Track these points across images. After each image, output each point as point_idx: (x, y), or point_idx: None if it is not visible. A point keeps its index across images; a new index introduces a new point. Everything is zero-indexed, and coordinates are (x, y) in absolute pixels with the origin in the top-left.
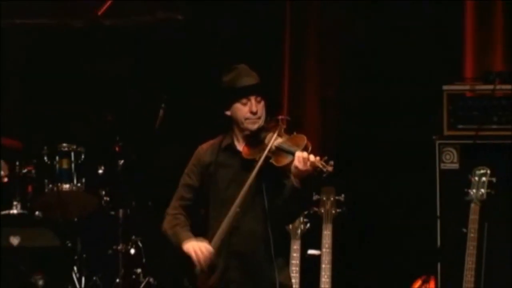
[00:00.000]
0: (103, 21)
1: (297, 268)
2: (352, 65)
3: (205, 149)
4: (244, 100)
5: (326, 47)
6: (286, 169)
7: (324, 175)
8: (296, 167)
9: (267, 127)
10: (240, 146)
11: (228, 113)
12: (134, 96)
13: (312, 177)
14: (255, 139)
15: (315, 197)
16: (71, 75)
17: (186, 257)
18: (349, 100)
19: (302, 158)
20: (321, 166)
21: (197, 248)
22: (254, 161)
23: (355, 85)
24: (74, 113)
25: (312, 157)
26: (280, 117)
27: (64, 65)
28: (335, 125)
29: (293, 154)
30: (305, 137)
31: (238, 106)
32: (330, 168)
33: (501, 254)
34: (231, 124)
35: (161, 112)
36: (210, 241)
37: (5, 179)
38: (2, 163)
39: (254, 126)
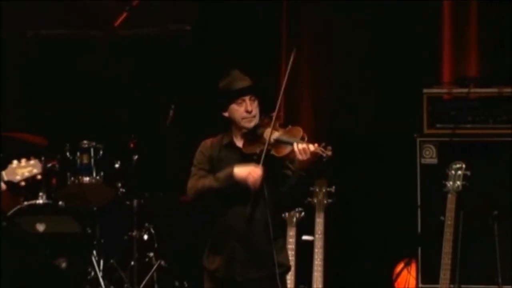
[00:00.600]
0: (119, 31)
1: (293, 252)
2: (342, 70)
3: (209, 144)
4: (239, 101)
5: (318, 53)
6: (285, 159)
7: (324, 159)
8: (299, 158)
9: (261, 123)
10: (239, 143)
11: (226, 114)
12: (147, 98)
13: (314, 164)
14: (253, 135)
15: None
16: (91, 80)
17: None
18: (338, 100)
19: (302, 149)
20: (320, 152)
21: (250, 170)
22: (254, 155)
23: (344, 87)
24: (94, 114)
25: (311, 146)
26: (272, 113)
27: (85, 71)
28: (326, 123)
29: (291, 144)
30: (300, 129)
31: (234, 107)
32: (329, 153)
33: (475, 239)
34: (229, 124)
35: (171, 112)
36: (220, 230)
37: (39, 177)
38: (38, 163)
39: (251, 124)
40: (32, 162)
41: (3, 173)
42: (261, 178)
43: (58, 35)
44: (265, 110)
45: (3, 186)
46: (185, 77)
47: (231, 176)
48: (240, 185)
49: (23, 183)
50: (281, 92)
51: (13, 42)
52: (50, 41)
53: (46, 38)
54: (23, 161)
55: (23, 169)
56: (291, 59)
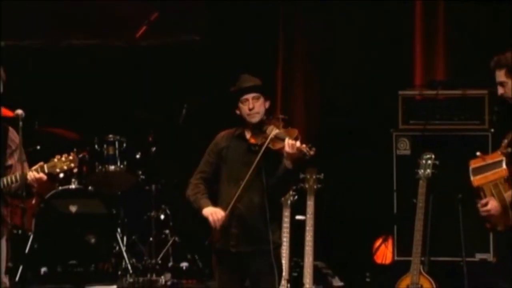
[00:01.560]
0: (140, 42)
1: (288, 230)
2: (330, 74)
3: (222, 136)
4: (244, 100)
5: (310, 59)
6: (279, 154)
7: (307, 157)
8: (286, 151)
9: (269, 121)
10: (248, 135)
11: (237, 111)
12: (163, 99)
13: (299, 160)
14: (259, 130)
15: (302, 175)
16: (117, 83)
17: (205, 219)
18: (327, 100)
19: (290, 144)
20: (305, 151)
21: (213, 212)
22: (257, 146)
23: (332, 89)
24: (118, 112)
25: (298, 144)
26: (281, 116)
27: (111, 76)
28: (316, 119)
29: (284, 140)
30: (297, 130)
31: (240, 105)
32: (312, 152)
33: (442, 218)
34: (241, 119)
35: (184, 111)
36: (222, 207)
37: (75, 170)
38: (75, 158)
39: (254, 119)
40: (71, 157)
41: (45, 165)
42: (222, 219)
43: (88, 44)
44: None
45: (44, 177)
46: (195, 80)
47: (200, 212)
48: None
49: (61, 174)
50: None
51: (49, 50)
52: (81, 49)
53: (78, 47)
54: (64, 156)
55: (63, 164)
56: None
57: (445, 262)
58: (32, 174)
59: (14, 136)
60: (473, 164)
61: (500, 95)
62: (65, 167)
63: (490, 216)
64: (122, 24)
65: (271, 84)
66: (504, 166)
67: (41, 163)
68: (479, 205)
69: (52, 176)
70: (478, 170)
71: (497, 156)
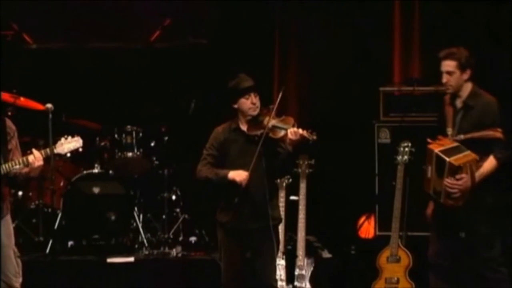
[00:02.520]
0: (154, 44)
1: (283, 209)
2: (321, 72)
3: (220, 130)
4: (246, 96)
5: (303, 58)
6: (279, 141)
7: (310, 142)
8: (290, 138)
9: (262, 113)
10: (244, 127)
11: (235, 106)
12: (174, 95)
13: (301, 144)
14: (255, 122)
15: (296, 161)
16: (135, 81)
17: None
18: (318, 94)
19: (294, 132)
20: (307, 136)
21: (237, 174)
22: (256, 137)
23: (322, 85)
24: (135, 106)
25: (301, 130)
26: (271, 106)
27: (129, 74)
28: (308, 112)
29: (285, 129)
30: (292, 118)
31: (243, 100)
32: (314, 137)
33: (418, 199)
34: (236, 113)
35: (192, 105)
36: (228, 195)
37: (81, 150)
38: (79, 139)
39: (255, 112)
40: (75, 138)
41: (53, 147)
42: (245, 180)
43: (109, 47)
44: (263, 103)
45: (40, 156)
46: (201, 78)
47: (225, 177)
48: (231, 183)
49: (68, 155)
50: (278, 99)
51: (76, 52)
52: (102, 51)
53: (100, 49)
54: (69, 137)
55: (69, 144)
56: (279, 95)
57: (419, 236)
58: (31, 158)
59: (11, 124)
60: (436, 148)
61: (444, 83)
62: (72, 147)
63: (460, 191)
64: (139, 29)
65: (268, 81)
66: (468, 150)
67: (50, 148)
68: (455, 181)
69: (76, 160)
70: (448, 153)
71: (451, 142)
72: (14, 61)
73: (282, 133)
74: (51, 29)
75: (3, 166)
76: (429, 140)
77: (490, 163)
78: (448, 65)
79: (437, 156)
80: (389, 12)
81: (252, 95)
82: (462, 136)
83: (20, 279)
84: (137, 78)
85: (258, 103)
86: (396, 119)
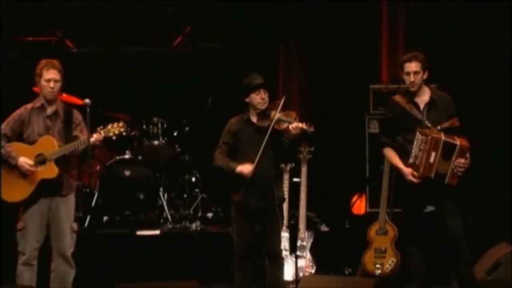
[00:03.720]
0: (176, 49)
1: (287, 189)
2: (320, 70)
3: (233, 122)
4: (257, 92)
5: (303, 59)
6: (283, 131)
7: (309, 133)
8: (293, 130)
9: (270, 107)
10: (254, 119)
11: (247, 100)
12: (193, 91)
13: (301, 134)
14: (264, 115)
15: (298, 148)
16: (159, 80)
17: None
18: (317, 90)
19: (296, 126)
20: (307, 128)
21: (244, 167)
22: (263, 128)
23: (319, 84)
24: (161, 101)
25: (301, 124)
26: (277, 101)
27: (154, 74)
28: (309, 107)
29: (289, 122)
30: (294, 112)
31: (253, 95)
32: (312, 129)
33: (403, 181)
34: (248, 106)
35: (209, 100)
36: (240, 177)
37: (124, 134)
38: (124, 124)
39: (264, 106)
40: (120, 124)
41: (102, 131)
42: (250, 173)
43: (138, 51)
44: (273, 98)
45: (101, 137)
46: (216, 77)
47: (234, 170)
48: (237, 175)
49: (114, 138)
50: (283, 100)
51: (110, 55)
52: (132, 54)
53: (130, 52)
54: (115, 123)
55: (115, 129)
56: (282, 101)
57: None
58: (95, 136)
59: (76, 114)
60: (438, 135)
61: (411, 82)
62: (117, 132)
63: (466, 169)
64: (163, 35)
65: (273, 79)
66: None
67: (99, 128)
68: (464, 163)
69: (111, 147)
70: (451, 139)
71: (437, 132)
72: None
73: (286, 125)
74: (89, 35)
75: (67, 147)
76: (419, 131)
77: None
78: (414, 65)
79: (445, 142)
80: (377, 16)
81: (262, 91)
82: (440, 126)
83: (72, 250)
84: (162, 77)
85: (266, 99)
86: (384, 112)
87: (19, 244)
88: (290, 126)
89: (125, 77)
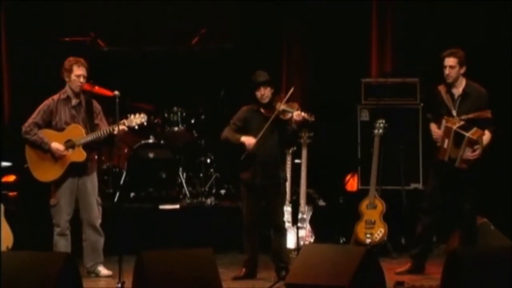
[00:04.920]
0: (194, 47)
1: (289, 169)
2: (318, 65)
3: (245, 109)
4: (259, 88)
5: (303, 60)
6: (287, 120)
7: (310, 122)
8: (295, 119)
9: (275, 99)
10: (262, 109)
11: (255, 94)
12: (209, 84)
13: (303, 122)
14: (270, 105)
15: (299, 134)
16: (179, 75)
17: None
18: (316, 83)
19: (298, 114)
20: (308, 117)
21: (247, 138)
22: (269, 117)
23: (317, 78)
24: (180, 93)
25: (303, 113)
26: (281, 94)
27: (176, 70)
28: (308, 99)
29: (292, 112)
30: (297, 103)
31: (257, 91)
32: (313, 118)
33: (389, 161)
34: (256, 99)
35: (222, 93)
36: (248, 158)
37: (145, 124)
38: (145, 115)
39: (264, 101)
40: (142, 115)
41: (126, 121)
42: (253, 144)
43: (159, 49)
44: (277, 91)
45: (126, 128)
46: (228, 73)
47: (238, 139)
48: (242, 145)
49: (136, 127)
50: (288, 94)
51: (135, 53)
52: (154, 52)
53: (152, 51)
54: (137, 114)
55: (137, 119)
56: (290, 91)
57: (391, 189)
58: (118, 128)
59: (96, 104)
60: (453, 125)
61: (446, 75)
62: (139, 121)
63: (476, 158)
64: (182, 36)
65: (278, 74)
66: (474, 127)
67: (124, 120)
68: (472, 153)
69: (136, 133)
70: (464, 129)
71: (459, 121)
72: (91, 59)
73: (289, 115)
74: (118, 36)
75: (93, 134)
76: (445, 118)
77: (488, 136)
78: (451, 61)
79: (456, 132)
80: (367, 16)
81: (262, 88)
82: (465, 116)
83: (100, 221)
84: (181, 72)
85: (267, 94)
86: (373, 103)
87: (54, 217)
88: (294, 114)
89: (149, 72)
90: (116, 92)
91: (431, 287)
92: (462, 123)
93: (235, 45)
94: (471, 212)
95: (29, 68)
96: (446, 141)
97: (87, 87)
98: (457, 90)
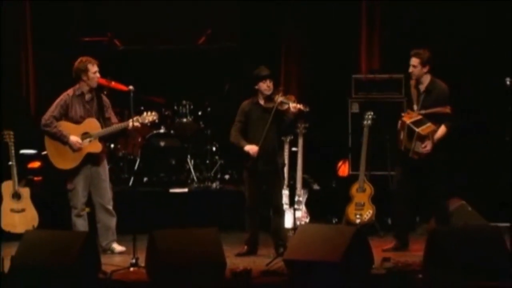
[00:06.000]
0: (201, 46)
1: (287, 156)
2: (312, 64)
3: (245, 103)
4: (263, 81)
5: (299, 58)
6: (285, 111)
7: (305, 112)
8: (292, 111)
9: (274, 92)
10: (261, 102)
11: (256, 87)
12: (214, 80)
13: (299, 113)
14: (269, 98)
15: (296, 124)
16: (188, 71)
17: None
18: (310, 81)
19: (294, 107)
20: (303, 108)
21: (250, 147)
22: (269, 109)
23: (312, 74)
24: (188, 87)
25: (298, 105)
26: (280, 88)
27: (185, 66)
28: (305, 92)
29: (289, 104)
30: (293, 96)
31: (261, 83)
32: (307, 109)
33: (378, 148)
34: (257, 92)
35: (226, 87)
36: (254, 143)
37: (157, 121)
38: (156, 113)
39: (269, 92)
40: (153, 113)
41: (139, 118)
42: (256, 153)
43: (170, 48)
44: (276, 85)
45: (139, 125)
46: (232, 69)
47: (242, 148)
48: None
49: (149, 124)
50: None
51: (149, 51)
52: (166, 50)
53: (164, 49)
54: (149, 112)
55: (149, 117)
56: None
57: (379, 175)
58: (132, 124)
59: (105, 99)
60: (407, 119)
61: (410, 72)
62: (151, 119)
63: (425, 153)
64: (191, 35)
65: (277, 70)
66: (429, 122)
67: (138, 116)
68: (422, 147)
69: (147, 125)
70: (416, 124)
71: (417, 115)
72: (108, 57)
73: (286, 106)
74: (133, 36)
75: (109, 128)
76: (402, 113)
77: (442, 130)
78: (414, 60)
79: (409, 126)
80: (358, 16)
81: (268, 80)
82: (424, 111)
83: (112, 203)
84: (189, 68)
85: (271, 86)
86: (363, 97)
87: (71, 200)
88: (291, 106)
89: (160, 68)
90: (131, 87)
91: (414, 263)
92: (418, 117)
93: (239, 43)
94: (439, 196)
95: (52, 65)
96: (402, 133)
97: (104, 82)
98: (422, 86)
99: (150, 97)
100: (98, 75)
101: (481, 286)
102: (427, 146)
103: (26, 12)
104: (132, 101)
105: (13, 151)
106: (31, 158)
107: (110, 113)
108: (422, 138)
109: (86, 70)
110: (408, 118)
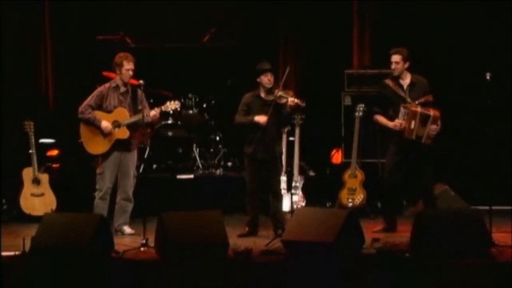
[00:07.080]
0: (205, 44)
1: (285, 145)
2: (308, 61)
3: (247, 96)
4: (265, 74)
5: (296, 54)
6: (283, 105)
7: (302, 106)
8: (290, 105)
9: (274, 86)
10: (262, 94)
11: (258, 80)
12: (217, 76)
13: (296, 107)
14: (270, 92)
15: (293, 116)
16: (193, 68)
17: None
18: (307, 76)
19: (292, 101)
20: (300, 102)
21: (260, 117)
22: (269, 101)
23: (309, 70)
24: (193, 82)
25: (296, 100)
26: (279, 82)
27: (190, 63)
28: (301, 87)
29: (287, 98)
30: (292, 91)
31: (262, 77)
32: (304, 104)
33: (368, 137)
34: (258, 85)
35: (229, 82)
36: (251, 135)
37: (179, 109)
38: (179, 102)
39: (270, 85)
40: (176, 102)
41: (162, 107)
42: (265, 121)
43: (177, 45)
44: (276, 80)
45: (158, 113)
46: (234, 65)
47: (252, 119)
48: (255, 123)
49: (171, 112)
50: (283, 78)
51: (157, 49)
52: (172, 48)
53: (171, 47)
54: (172, 101)
55: (172, 105)
56: (286, 71)
57: (369, 162)
58: (153, 112)
59: (140, 93)
60: (415, 108)
61: (393, 69)
62: (173, 107)
63: (435, 135)
64: (196, 34)
65: (275, 66)
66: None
67: (161, 106)
68: (435, 128)
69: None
70: (426, 110)
71: (416, 105)
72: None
73: (285, 100)
74: (143, 34)
75: (135, 117)
76: (403, 105)
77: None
78: (395, 57)
79: (421, 113)
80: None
81: (269, 74)
82: (418, 101)
83: (132, 189)
84: (195, 64)
85: (272, 80)
86: (355, 90)
87: (98, 183)
88: (289, 99)
89: (169, 64)
90: (141, 81)
91: (402, 243)
92: (419, 107)
93: (240, 41)
94: (428, 181)
95: (70, 62)
96: (413, 122)
97: (114, 76)
98: (405, 82)
99: (159, 90)
100: (131, 72)
101: (462, 263)
102: (439, 125)
103: (46, 13)
104: (142, 94)
105: (33, 140)
106: (49, 146)
107: (144, 106)
108: (436, 119)
109: (121, 65)
110: (415, 108)
